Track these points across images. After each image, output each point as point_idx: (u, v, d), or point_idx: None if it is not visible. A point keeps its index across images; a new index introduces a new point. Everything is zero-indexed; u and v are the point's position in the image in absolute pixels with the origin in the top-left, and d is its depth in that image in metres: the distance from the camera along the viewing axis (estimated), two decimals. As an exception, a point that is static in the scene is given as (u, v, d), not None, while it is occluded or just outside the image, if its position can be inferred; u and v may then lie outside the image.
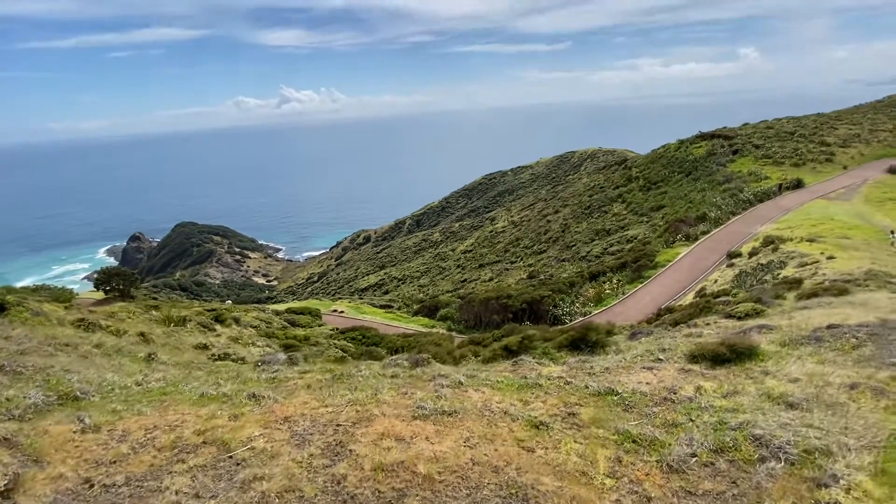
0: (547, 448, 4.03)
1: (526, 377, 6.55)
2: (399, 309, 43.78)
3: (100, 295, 33.46)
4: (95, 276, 34.79)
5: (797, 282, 19.21)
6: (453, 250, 77.99)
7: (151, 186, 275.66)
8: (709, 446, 3.73)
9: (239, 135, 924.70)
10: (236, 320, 26.83)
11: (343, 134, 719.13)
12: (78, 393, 5.36)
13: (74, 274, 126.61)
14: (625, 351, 8.25)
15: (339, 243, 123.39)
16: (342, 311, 40.01)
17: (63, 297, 29.36)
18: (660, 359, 7.21)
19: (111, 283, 33.42)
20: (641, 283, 34.23)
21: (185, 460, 3.82)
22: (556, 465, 3.73)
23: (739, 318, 12.67)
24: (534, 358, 8.26)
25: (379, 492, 3.35)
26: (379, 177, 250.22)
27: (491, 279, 58.00)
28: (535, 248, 63.49)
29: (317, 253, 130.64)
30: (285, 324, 31.47)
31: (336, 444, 4.06)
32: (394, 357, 8.27)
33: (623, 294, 33.57)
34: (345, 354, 22.93)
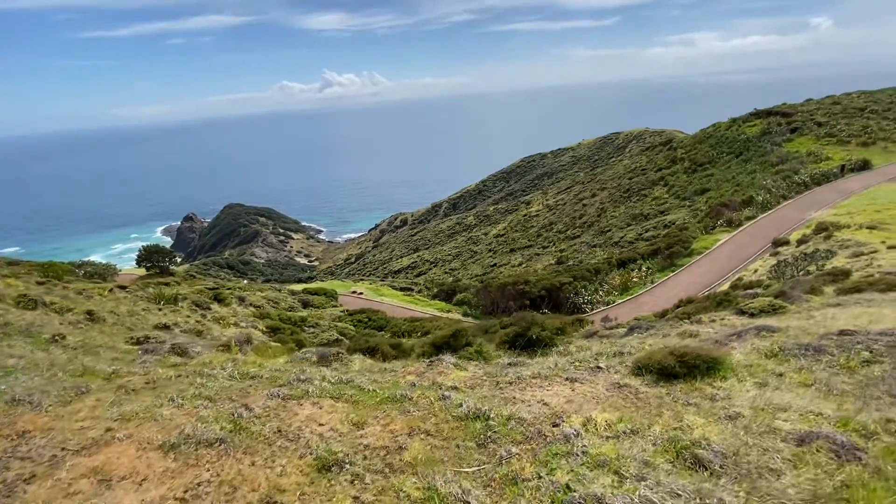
0: (302, 509, 2.73)
1: (415, 385, 5.21)
2: (419, 292, 42.89)
3: (142, 271, 34.68)
4: (137, 254, 36.15)
5: (844, 273, 16.45)
6: (486, 234, 76.22)
7: (203, 169, 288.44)
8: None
9: (283, 119, 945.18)
10: (241, 300, 26.70)
11: (383, 117, 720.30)
12: None
13: (133, 252, 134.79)
14: (573, 353, 6.70)
15: (377, 226, 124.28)
16: (361, 293, 39.56)
17: (104, 272, 30.69)
18: (599, 367, 5.63)
19: (151, 259, 34.63)
20: (673, 271, 31.60)
21: None
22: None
23: (751, 315, 10.66)
24: (461, 358, 6.88)
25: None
26: (418, 160, 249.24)
27: (521, 264, 56.04)
28: (568, 232, 60.76)
29: (356, 235, 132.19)
30: (296, 304, 31.27)
31: (23, 480, 2.95)
32: (304, 350, 7.16)
33: (652, 283, 31.12)
34: (341, 337, 22.25)
